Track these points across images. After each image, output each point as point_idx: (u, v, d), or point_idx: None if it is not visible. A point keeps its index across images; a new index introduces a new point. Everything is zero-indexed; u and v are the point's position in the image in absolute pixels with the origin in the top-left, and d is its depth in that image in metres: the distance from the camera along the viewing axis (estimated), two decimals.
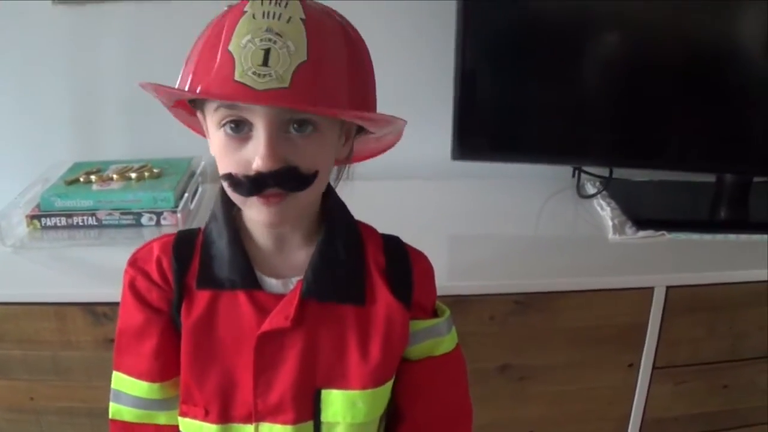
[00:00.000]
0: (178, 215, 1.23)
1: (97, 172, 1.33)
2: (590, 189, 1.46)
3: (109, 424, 0.74)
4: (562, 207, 1.44)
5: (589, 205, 1.42)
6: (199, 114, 0.68)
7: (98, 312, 1.06)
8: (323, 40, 0.60)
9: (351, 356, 0.69)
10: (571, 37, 1.29)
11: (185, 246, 0.72)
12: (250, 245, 0.71)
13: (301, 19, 0.59)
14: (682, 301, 1.14)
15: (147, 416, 0.73)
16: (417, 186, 1.49)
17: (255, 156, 0.60)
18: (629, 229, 1.28)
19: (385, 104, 0.69)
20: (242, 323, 0.69)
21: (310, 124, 0.62)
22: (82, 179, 1.31)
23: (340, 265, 0.70)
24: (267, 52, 0.58)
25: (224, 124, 0.62)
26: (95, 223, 1.23)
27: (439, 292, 0.78)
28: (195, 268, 0.70)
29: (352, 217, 0.75)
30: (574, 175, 1.49)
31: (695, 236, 1.26)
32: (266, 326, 0.68)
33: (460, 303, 0.98)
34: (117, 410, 0.73)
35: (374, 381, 0.70)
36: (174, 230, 1.03)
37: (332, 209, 0.73)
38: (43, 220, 1.23)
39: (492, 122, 1.37)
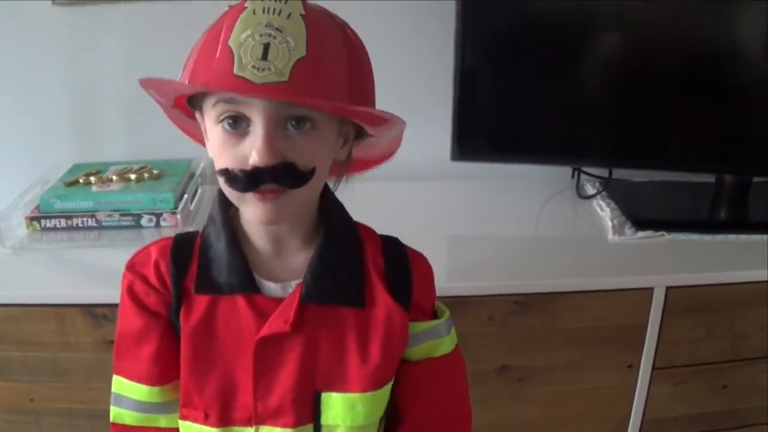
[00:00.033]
0: (178, 216, 1.23)
1: (96, 173, 1.33)
2: (590, 189, 1.46)
3: (111, 428, 0.74)
4: (562, 207, 1.43)
5: (589, 205, 1.42)
6: (197, 114, 0.68)
7: (98, 313, 1.05)
8: (323, 37, 0.61)
9: (350, 359, 0.69)
10: (570, 37, 1.29)
11: (183, 249, 0.72)
12: (249, 249, 0.71)
13: (301, 15, 0.59)
14: (681, 301, 1.14)
15: (148, 419, 0.73)
16: (416, 187, 1.48)
17: (252, 151, 0.60)
18: (629, 230, 1.28)
19: (384, 104, 0.68)
20: (241, 328, 0.69)
21: (308, 121, 0.62)
22: (81, 180, 1.30)
23: (339, 267, 0.70)
24: (266, 46, 0.58)
25: (222, 120, 0.62)
26: (95, 224, 1.23)
27: (438, 293, 0.78)
28: (193, 271, 0.70)
29: (350, 218, 0.75)
30: (573, 176, 1.49)
31: (695, 236, 1.26)
32: (265, 331, 0.68)
33: (459, 304, 0.98)
34: (118, 414, 0.73)
35: (374, 384, 0.70)
36: (173, 231, 1.04)
37: (330, 211, 0.73)
38: (42, 221, 1.23)
39: (491, 123, 1.37)
